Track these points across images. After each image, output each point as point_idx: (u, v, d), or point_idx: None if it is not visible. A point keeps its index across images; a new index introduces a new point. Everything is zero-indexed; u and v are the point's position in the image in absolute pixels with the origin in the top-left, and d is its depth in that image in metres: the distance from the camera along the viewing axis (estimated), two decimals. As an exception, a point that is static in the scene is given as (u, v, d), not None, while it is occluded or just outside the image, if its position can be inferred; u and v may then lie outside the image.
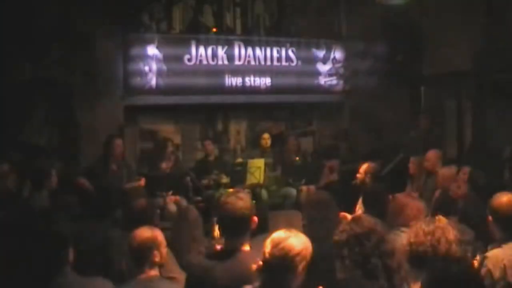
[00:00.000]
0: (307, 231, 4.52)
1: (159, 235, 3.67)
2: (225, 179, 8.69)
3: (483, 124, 8.78)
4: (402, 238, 3.48)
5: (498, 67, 8.27)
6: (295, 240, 2.88)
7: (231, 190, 8.19)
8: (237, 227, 3.28)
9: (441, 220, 3.24)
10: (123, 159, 8.01)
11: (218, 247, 3.42)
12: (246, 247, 3.29)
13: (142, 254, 3.58)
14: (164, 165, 8.56)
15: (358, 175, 6.41)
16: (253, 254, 3.15)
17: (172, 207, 7.62)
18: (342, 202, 5.14)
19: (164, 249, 3.66)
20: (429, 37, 9.50)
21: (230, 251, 3.28)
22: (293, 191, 8.73)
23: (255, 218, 3.34)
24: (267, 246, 2.88)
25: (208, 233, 5.08)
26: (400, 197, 4.56)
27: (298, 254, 2.85)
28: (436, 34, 9.32)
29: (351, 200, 5.86)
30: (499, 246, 3.73)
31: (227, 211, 3.29)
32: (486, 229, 3.93)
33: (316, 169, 9.13)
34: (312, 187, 8.54)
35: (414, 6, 8.48)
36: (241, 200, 3.31)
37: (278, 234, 2.91)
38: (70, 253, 3.42)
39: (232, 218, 3.27)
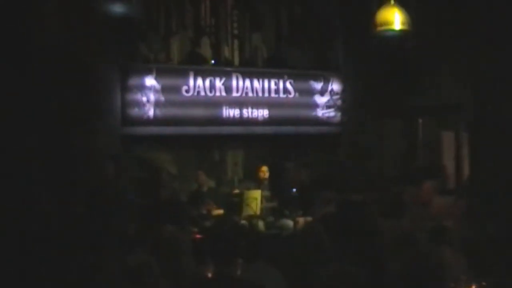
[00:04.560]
0: (302, 262, 4.51)
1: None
2: (217, 210, 8.67)
3: (480, 156, 8.75)
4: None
5: (495, 99, 8.28)
6: None
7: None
8: (225, 255, 3.25)
9: None
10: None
11: (209, 274, 3.39)
12: (236, 275, 3.26)
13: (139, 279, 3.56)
14: (160, 194, 8.55)
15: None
16: (244, 282, 3.11)
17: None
18: (338, 234, 5.11)
19: None
20: (426, 68, 9.54)
21: (220, 279, 3.23)
22: (290, 223, 8.69)
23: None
24: None
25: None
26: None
27: None
28: (433, 65, 9.36)
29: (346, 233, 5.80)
30: None
31: (215, 238, 3.26)
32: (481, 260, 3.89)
33: (313, 201, 9.08)
34: (308, 219, 8.49)
35: (411, 37, 8.53)
36: (229, 228, 3.29)
37: None
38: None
39: (220, 246, 3.24)
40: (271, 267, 3.95)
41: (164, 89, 9.41)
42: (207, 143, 10.18)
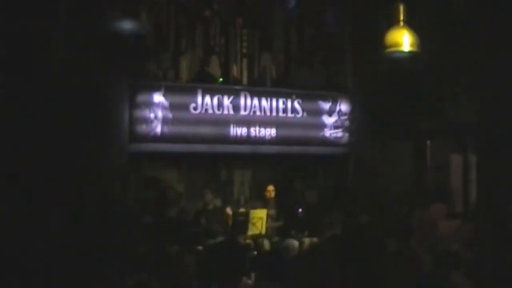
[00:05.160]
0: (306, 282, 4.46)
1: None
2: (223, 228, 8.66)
3: (488, 179, 8.70)
4: None
5: (503, 122, 8.25)
6: None
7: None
8: (229, 274, 3.22)
9: None
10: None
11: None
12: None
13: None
14: (167, 213, 8.54)
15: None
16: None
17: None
18: (344, 256, 5.05)
19: None
20: (435, 91, 9.51)
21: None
22: (295, 243, 8.63)
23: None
24: None
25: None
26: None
27: None
28: (442, 88, 9.34)
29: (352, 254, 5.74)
30: None
31: (219, 258, 3.24)
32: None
33: (319, 222, 9.03)
34: (314, 239, 8.44)
35: (420, 59, 8.52)
36: (234, 248, 3.27)
37: None
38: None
39: (224, 265, 3.21)
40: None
41: (172, 106, 9.41)
42: (214, 161, 10.16)
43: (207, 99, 9.65)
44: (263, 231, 8.67)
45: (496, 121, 8.46)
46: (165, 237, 7.89)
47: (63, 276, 4.91)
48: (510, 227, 6.64)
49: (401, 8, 8.26)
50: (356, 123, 10.40)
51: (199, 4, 10.27)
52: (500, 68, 8.44)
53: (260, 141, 9.99)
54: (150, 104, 9.29)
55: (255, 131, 9.95)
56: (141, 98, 9.29)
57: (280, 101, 10.14)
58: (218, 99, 9.72)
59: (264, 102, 10.03)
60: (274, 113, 10.10)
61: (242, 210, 9.35)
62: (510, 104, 8.26)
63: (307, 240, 8.58)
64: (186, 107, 9.54)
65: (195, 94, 9.60)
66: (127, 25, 7.91)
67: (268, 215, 8.88)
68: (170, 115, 9.38)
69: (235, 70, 10.33)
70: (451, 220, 5.99)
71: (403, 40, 8.12)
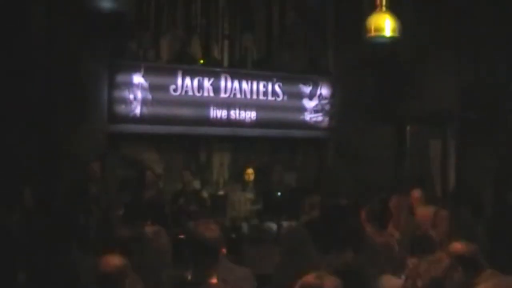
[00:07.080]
0: (283, 266, 4.45)
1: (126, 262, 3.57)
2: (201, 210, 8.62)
3: (466, 164, 8.77)
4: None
5: (483, 107, 8.29)
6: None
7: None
8: (205, 257, 3.19)
9: None
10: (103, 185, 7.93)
11: (189, 276, 3.32)
12: (214, 279, 3.19)
13: (114, 282, 3.45)
14: (144, 194, 8.46)
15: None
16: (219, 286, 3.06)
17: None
18: (323, 239, 5.06)
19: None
20: (416, 76, 9.52)
21: (197, 284, 3.17)
22: (274, 226, 8.62)
23: (223, 249, 3.27)
24: None
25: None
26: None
27: None
28: (423, 73, 9.35)
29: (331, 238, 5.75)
30: None
31: (195, 240, 3.21)
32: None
33: (298, 205, 9.02)
34: (293, 223, 8.43)
35: (401, 44, 8.51)
36: (210, 230, 3.23)
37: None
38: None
39: (200, 248, 3.18)
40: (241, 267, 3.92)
41: (152, 88, 9.32)
42: (194, 143, 10.10)
43: (187, 80, 9.57)
44: (241, 214, 8.65)
45: (476, 107, 8.51)
46: (142, 218, 7.82)
47: (37, 257, 4.85)
48: (487, 211, 6.71)
49: (383, -7, 8.20)
50: (336, 107, 10.38)
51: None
52: (481, 55, 8.47)
53: (240, 123, 9.95)
54: (130, 85, 9.20)
55: (235, 114, 9.90)
56: (120, 78, 9.19)
57: (261, 84, 10.10)
58: (199, 81, 9.65)
59: (244, 84, 9.98)
60: (254, 96, 10.06)
61: (220, 192, 9.33)
62: (489, 91, 8.30)
63: (285, 223, 8.56)
64: (166, 88, 9.46)
65: (175, 75, 9.52)
66: (108, 3, 7.79)
67: (246, 198, 8.86)
68: (149, 96, 9.30)
69: (216, 52, 10.24)
70: (429, 206, 6.00)
71: (385, 25, 8.08)
